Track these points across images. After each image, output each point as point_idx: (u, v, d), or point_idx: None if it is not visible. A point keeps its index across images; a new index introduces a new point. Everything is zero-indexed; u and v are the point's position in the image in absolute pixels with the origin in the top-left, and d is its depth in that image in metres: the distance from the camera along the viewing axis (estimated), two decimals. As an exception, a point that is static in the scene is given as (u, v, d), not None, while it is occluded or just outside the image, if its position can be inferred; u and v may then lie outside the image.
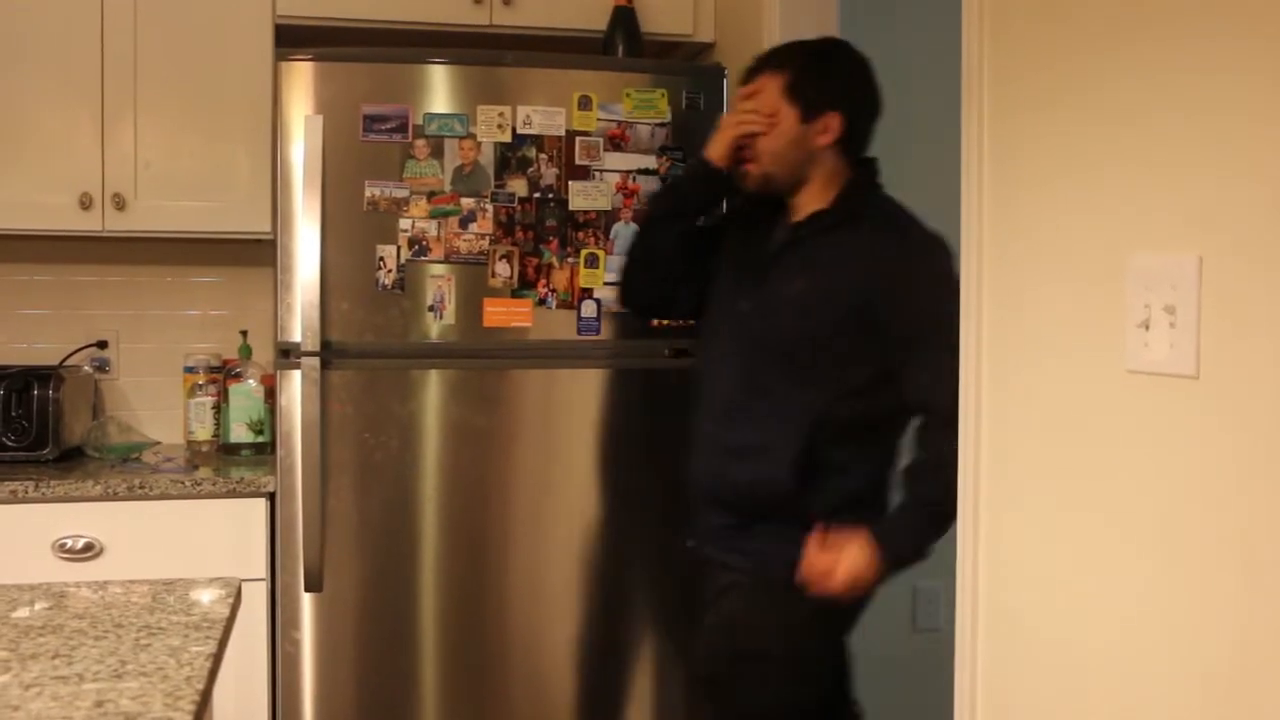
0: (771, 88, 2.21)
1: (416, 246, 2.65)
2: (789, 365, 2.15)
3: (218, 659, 1.45)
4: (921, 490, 2.09)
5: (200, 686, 1.31)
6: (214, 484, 2.71)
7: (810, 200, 2.22)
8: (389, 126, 2.64)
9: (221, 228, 2.98)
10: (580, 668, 2.77)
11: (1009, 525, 1.73)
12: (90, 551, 2.65)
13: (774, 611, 2.16)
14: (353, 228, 2.63)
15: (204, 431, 3.07)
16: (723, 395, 2.23)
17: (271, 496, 2.69)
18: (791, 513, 2.13)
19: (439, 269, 2.67)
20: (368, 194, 2.63)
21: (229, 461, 2.97)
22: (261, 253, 3.08)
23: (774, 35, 2.74)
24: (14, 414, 2.86)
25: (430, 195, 2.66)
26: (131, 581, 1.78)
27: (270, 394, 2.97)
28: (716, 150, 2.27)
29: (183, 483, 2.69)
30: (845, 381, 2.13)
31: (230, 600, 1.67)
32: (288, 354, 2.63)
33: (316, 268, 2.59)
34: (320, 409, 2.60)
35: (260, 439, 3.04)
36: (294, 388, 2.62)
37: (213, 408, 3.07)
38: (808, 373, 2.14)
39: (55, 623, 1.55)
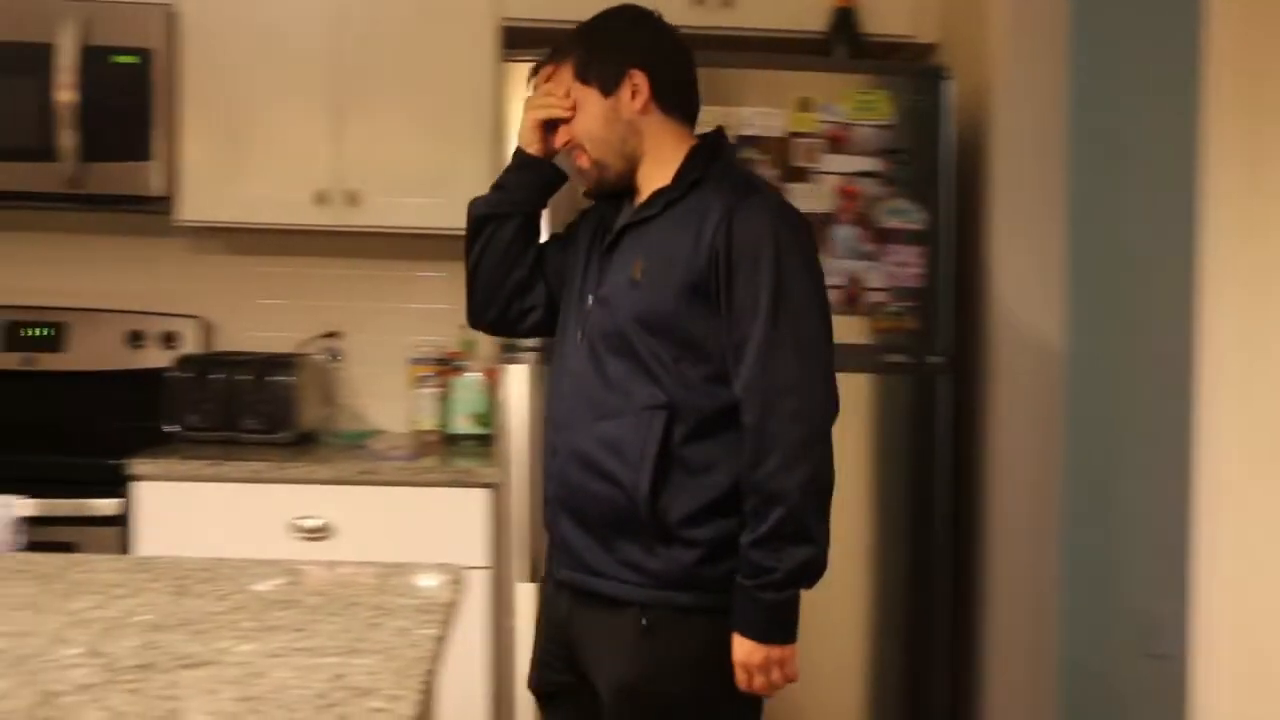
0: (564, 79, 2.05)
1: (634, 245, 2.67)
2: (635, 356, 1.95)
3: (442, 642, 1.50)
4: (756, 559, 1.86)
5: (428, 668, 1.36)
6: (438, 473, 2.80)
7: (652, 178, 2.03)
8: (610, 126, 2.66)
9: (445, 224, 3.06)
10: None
11: (1253, 540, 1.64)
12: (323, 532, 2.78)
13: (663, 659, 1.92)
14: (573, 226, 2.67)
15: (428, 422, 3.18)
16: (572, 397, 2.02)
17: (494, 487, 2.77)
18: (653, 523, 1.91)
19: (658, 267, 2.68)
20: (586, 193, 2.67)
21: (452, 451, 3.06)
22: (485, 250, 3.17)
23: (1002, 36, 2.65)
24: (254, 398, 3.03)
25: (650, 195, 2.68)
26: (360, 563, 1.86)
27: (493, 387, 3.05)
28: (524, 137, 2.13)
29: (408, 470, 2.80)
30: (697, 369, 1.93)
31: (454, 586, 1.73)
32: (510, 348, 2.70)
33: (538, 264, 2.64)
34: (542, 403, 2.66)
35: (483, 430, 3.12)
36: (516, 382, 2.69)
37: (437, 399, 3.18)
38: (655, 362, 1.93)
39: (293, 598, 1.63)
